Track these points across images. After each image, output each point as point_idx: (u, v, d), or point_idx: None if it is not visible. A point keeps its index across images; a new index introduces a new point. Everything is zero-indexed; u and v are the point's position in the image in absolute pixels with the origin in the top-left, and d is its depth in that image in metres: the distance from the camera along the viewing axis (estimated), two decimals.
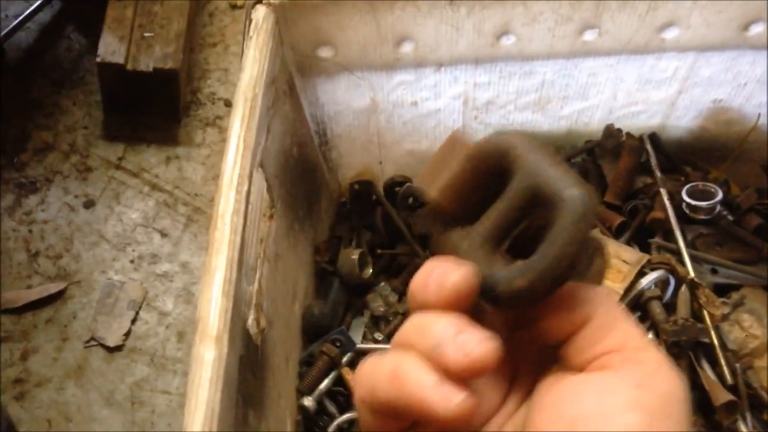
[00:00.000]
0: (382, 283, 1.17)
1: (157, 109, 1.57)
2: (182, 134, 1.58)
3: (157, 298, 1.39)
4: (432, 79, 1.12)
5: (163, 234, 1.46)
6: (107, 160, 1.55)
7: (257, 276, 0.89)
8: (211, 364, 0.73)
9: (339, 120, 1.18)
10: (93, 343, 1.33)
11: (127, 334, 1.34)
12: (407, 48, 1.08)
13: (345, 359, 1.07)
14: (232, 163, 0.85)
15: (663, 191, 1.12)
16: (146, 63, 1.50)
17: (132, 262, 1.43)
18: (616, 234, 1.12)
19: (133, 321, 1.35)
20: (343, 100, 1.15)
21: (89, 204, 1.50)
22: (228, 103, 1.62)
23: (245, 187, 0.85)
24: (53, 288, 1.39)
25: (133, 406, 1.27)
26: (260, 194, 0.91)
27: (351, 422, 1.03)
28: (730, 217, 1.11)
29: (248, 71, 0.92)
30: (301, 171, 1.12)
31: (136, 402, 1.27)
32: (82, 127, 1.59)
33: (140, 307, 1.37)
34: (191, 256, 1.43)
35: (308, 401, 1.02)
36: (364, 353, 1.09)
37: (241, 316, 0.82)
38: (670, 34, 1.03)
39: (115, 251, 1.44)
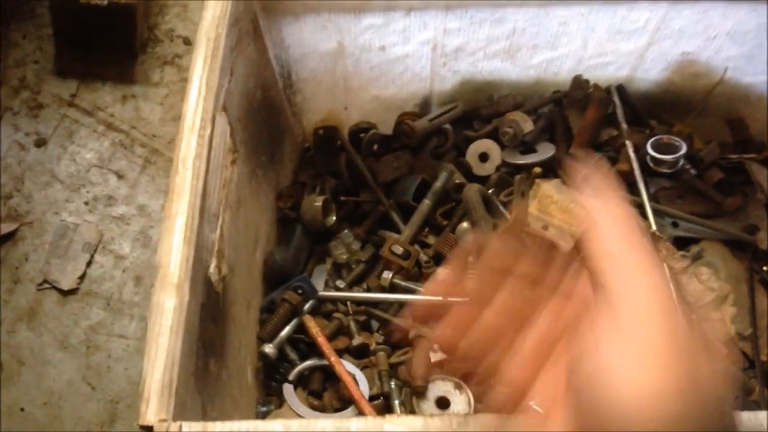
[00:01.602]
0: (345, 231, 1.15)
1: (112, 46, 1.51)
2: (139, 72, 1.52)
3: (113, 241, 1.35)
4: (401, 23, 1.09)
5: (120, 175, 1.42)
6: (59, 97, 1.49)
7: (219, 222, 0.87)
8: (172, 312, 0.71)
9: (304, 63, 1.15)
10: (46, 285, 1.30)
11: (82, 277, 1.31)
12: None
13: (306, 307, 1.06)
14: (193, 105, 0.82)
15: (628, 144, 1.12)
16: None
17: (86, 203, 1.38)
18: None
19: (88, 264, 1.32)
20: (310, 42, 1.11)
21: (41, 143, 1.44)
22: (187, 41, 1.56)
23: (207, 131, 0.82)
24: (4, 229, 1.34)
25: (89, 350, 1.25)
26: (223, 138, 0.88)
27: (312, 369, 1.03)
28: (692, 171, 1.12)
29: (211, 10, 0.88)
30: (264, 115, 1.09)
31: (92, 346, 1.25)
32: (32, 62, 1.52)
33: (95, 250, 1.34)
34: (149, 199, 1.39)
35: (269, 348, 1.01)
36: (325, 301, 1.08)
37: (203, 263, 0.80)
38: None
39: (68, 192, 1.39)
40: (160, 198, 1.39)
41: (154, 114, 1.48)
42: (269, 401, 0.99)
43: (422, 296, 1.05)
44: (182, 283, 0.73)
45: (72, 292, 1.29)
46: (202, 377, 0.78)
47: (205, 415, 0.77)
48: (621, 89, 1.18)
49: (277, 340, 1.03)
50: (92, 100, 1.49)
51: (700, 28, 1.08)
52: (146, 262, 1.33)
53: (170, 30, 1.57)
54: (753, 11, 1.05)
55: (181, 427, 0.65)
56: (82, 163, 1.43)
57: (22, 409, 1.19)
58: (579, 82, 1.18)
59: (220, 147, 0.87)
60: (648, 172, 1.11)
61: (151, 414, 0.65)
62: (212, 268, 0.84)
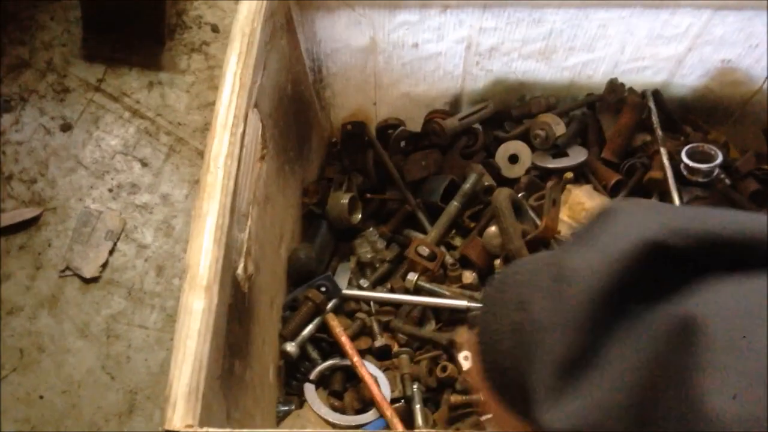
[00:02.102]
0: (371, 229, 1.14)
1: (140, 31, 1.50)
2: (166, 59, 1.51)
3: (136, 229, 1.35)
4: (436, 20, 1.07)
5: (144, 163, 1.41)
6: (86, 81, 1.48)
7: (248, 222, 0.86)
8: (200, 314, 0.70)
9: (336, 58, 1.13)
10: (68, 272, 1.30)
11: (104, 265, 1.30)
12: None
13: (329, 305, 1.05)
14: (227, 101, 0.81)
15: (663, 151, 1.10)
16: None
17: (110, 190, 1.38)
18: (612, 192, 1.10)
19: (111, 252, 1.32)
20: (342, 37, 1.10)
21: (66, 127, 1.44)
22: (215, 28, 1.54)
23: (240, 129, 0.80)
24: (27, 213, 1.34)
25: (109, 339, 1.24)
26: (255, 136, 0.87)
27: (333, 369, 1.02)
28: (727, 181, 1.09)
29: (246, 4, 0.86)
30: (294, 110, 1.08)
31: (112, 335, 1.25)
32: (60, 45, 1.51)
33: (118, 238, 1.33)
34: (172, 188, 1.39)
35: (291, 347, 1.00)
36: (348, 300, 1.07)
37: (232, 264, 0.79)
38: None
39: (92, 178, 1.39)
40: (184, 187, 1.38)
41: (181, 102, 1.47)
42: (290, 401, 0.98)
43: (447, 299, 1.03)
44: (211, 285, 0.72)
45: (94, 280, 1.29)
46: (227, 380, 0.77)
47: (228, 417, 0.76)
48: (657, 94, 1.16)
49: (299, 338, 1.02)
50: (118, 86, 1.48)
51: (742, 36, 1.06)
52: (168, 252, 1.32)
53: (198, 17, 1.56)
54: None
55: None
56: (107, 150, 1.42)
57: (41, 397, 1.19)
58: (614, 86, 1.15)
59: (251, 144, 0.86)
60: (682, 181, 1.09)
61: (177, 419, 0.64)
62: (240, 269, 0.83)
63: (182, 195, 1.37)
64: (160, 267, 1.31)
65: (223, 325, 0.75)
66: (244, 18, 0.85)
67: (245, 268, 0.85)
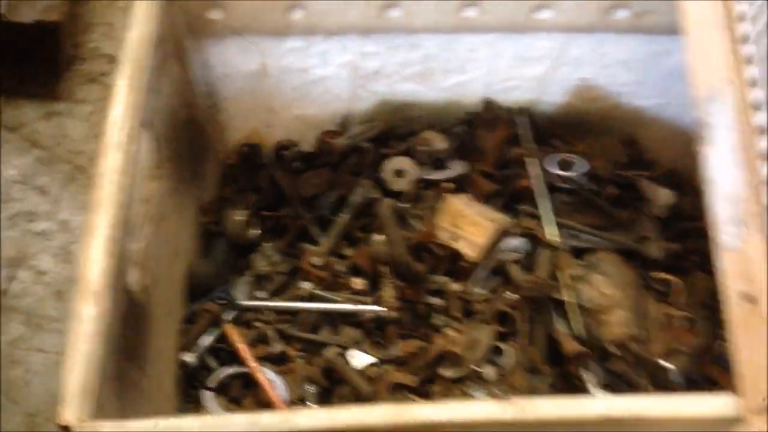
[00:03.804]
0: (267, 244, 1.20)
1: (37, 62, 1.52)
2: (64, 89, 1.53)
3: (35, 256, 1.36)
4: (321, 46, 1.15)
5: (42, 191, 1.42)
6: None
7: (141, 235, 0.91)
8: (92, 319, 0.74)
9: (228, 83, 1.19)
10: None
11: (2, 292, 1.31)
12: (298, 15, 1.10)
13: (228, 316, 1.10)
14: (116, 121, 0.86)
15: (533, 161, 1.20)
16: (27, 14, 1.43)
17: (9, 219, 1.39)
18: (489, 200, 1.20)
19: (9, 280, 1.32)
20: (233, 63, 1.16)
21: None
22: (112, 59, 1.58)
23: (130, 147, 0.85)
24: None
25: (7, 364, 1.25)
26: (146, 154, 0.92)
27: (232, 377, 1.06)
28: (591, 187, 1.21)
29: (136, 29, 0.92)
30: (188, 132, 1.13)
31: (10, 360, 1.25)
32: None
33: (17, 266, 1.34)
34: (71, 215, 1.41)
35: (189, 357, 1.04)
36: (246, 311, 1.12)
37: (123, 274, 0.84)
38: (544, 15, 1.11)
39: None
40: (83, 214, 1.40)
41: (78, 131, 1.49)
42: (188, 408, 1.02)
43: (339, 305, 1.10)
44: (102, 291, 0.76)
45: None
46: (122, 383, 0.81)
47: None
48: (527, 112, 1.27)
49: (198, 349, 1.06)
50: (16, 116, 1.49)
51: (595, 57, 1.18)
52: (67, 278, 1.34)
53: (96, 48, 1.59)
54: (642, 41, 1.15)
55: (99, 427, 0.68)
56: (4, 179, 1.43)
57: None
58: (488, 105, 1.26)
59: (142, 162, 0.91)
60: (551, 188, 1.19)
61: (69, 414, 0.68)
62: (133, 279, 0.87)
63: (81, 221, 1.39)
64: (59, 292, 1.32)
65: (115, 332, 0.79)
66: (133, 42, 0.91)
67: (139, 279, 0.90)
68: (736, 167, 0.71)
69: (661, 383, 1.03)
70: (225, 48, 1.14)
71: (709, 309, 1.11)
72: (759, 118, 0.71)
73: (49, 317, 1.30)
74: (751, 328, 0.64)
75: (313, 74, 1.21)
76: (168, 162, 1.03)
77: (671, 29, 0.92)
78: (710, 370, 1.04)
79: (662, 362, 1.04)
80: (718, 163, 0.75)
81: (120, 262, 0.81)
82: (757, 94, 0.73)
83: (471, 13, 1.11)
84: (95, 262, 0.77)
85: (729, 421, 0.66)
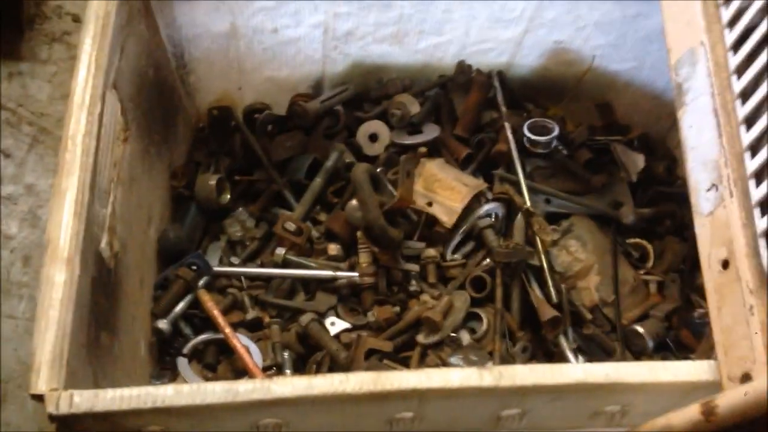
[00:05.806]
0: (240, 209, 1.18)
1: None
2: (26, 49, 1.48)
3: (1, 221, 1.32)
4: (293, 6, 1.13)
5: (6, 154, 1.38)
6: None
7: (111, 199, 0.89)
8: (62, 285, 0.73)
9: (197, 43, 1.16)
10: None
11: None
12: None
13: (201, 283, 1.08)
14: (83, 82, 0.83)
15: (507, 126, 1.20)
16: None
17: None
18: (463, 164, 1.19)
19: None
20: (202, 23, 1.13)
21: None
22: (76, 18, 1.53)
23: (98, 109, 0.83)
24: None
25: None
26: (114, 116, 0.90)
27: (206, 343, 1.05)
28: (564, 152, 1.20)
29: None
30: (157, 94, 1.10)
31: None
32: None
33: None
34: (37, 179, 1.37)
35: (163, 324, 1.03)
36: (220, 277, 1.11)
37: (94, 239, 0.82)
38: None
39: None
40: (49, 177, 1.37)
41: (43, 92, 1.45)
42: (163, 374, 1.01)
43: (314, 271, 1.09)
44: (72, 257, 0.74)
45: None
46: (94, 349, 0.80)
47: (96, 386, 0.79)
48: (501, 75, 1.26)
49: (171, 315, 1.05)
50: None
51: (570, 19, 1.17)
52: (35, 242, 1.31)
53: (58, 7, 1.54)
54: (617, 3, 1.14)
55: (72, 395, 0.67)
56: None
57: None
58: (462, 68, 1.24)
59: (110, 124, 0.88)
60: (524, 153, 1.19)
61: (41, 383, 0.67)
62: (104, 244, 0.86)
63: (47, 185, 1.36)
64: (27, 257, 1.30)
65: (87, 298, 0.78)
66: (98, 1, 0.88)
67: (110, 244, 0.88)
68: (714, 132, 0.71)
69: (634, 347, 1.05)
70: (193, 7, 1.11)
71: (680, 273, 1.13)
72: (741, 83, 0.71)
73: (18, 282, 1.27)
74: (728, 293, 0.64)
75: (285, 35, 1.18)
76: (136, 124, 1.00)
77: None
78: (682, 334, 1.06)
79: (635, 327, 1.05)
80: (696, 127, 0.75)
81: (90, 226, 0.79)
82: (738, 58, 0.72)
83: None
84: (64, 226, 0.75)
85: (707, 386, 0.67)
